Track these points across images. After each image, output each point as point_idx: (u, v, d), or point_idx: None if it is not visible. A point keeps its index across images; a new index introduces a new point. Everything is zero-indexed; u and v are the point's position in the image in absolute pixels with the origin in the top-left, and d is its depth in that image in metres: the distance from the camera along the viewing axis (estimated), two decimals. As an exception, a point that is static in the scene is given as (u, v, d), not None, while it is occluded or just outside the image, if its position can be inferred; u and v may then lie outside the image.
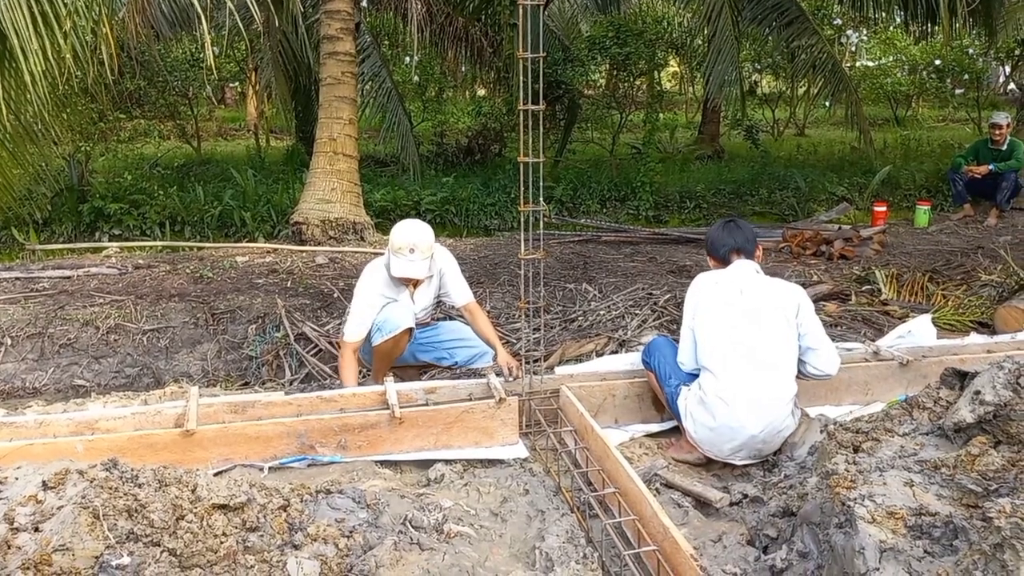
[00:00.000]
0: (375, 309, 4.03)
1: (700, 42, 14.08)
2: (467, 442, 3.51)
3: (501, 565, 2.62)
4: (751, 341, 3.35)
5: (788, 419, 3.34)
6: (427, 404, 3.59)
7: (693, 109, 22.13)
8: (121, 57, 8.82)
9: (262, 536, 2.38)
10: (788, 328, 3.40)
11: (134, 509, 2.27)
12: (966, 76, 17.94)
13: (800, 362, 3.47)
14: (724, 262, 3.61)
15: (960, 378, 2.64)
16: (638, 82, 15.09)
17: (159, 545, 2.21)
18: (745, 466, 3.43)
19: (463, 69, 13.72)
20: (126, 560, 2.11)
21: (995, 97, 20.68)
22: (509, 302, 6.15)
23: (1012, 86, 20.76)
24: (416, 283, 4.18)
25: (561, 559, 2.58)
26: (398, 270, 3.98)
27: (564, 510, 3.00)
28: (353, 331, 4.03)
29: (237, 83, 19.80)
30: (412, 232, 4.00)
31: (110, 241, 8.90)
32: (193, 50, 13.12)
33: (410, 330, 4.06)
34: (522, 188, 3.54)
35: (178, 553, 2.21)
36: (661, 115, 15.11)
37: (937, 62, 17.47)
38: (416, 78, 15.09)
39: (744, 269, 3.55)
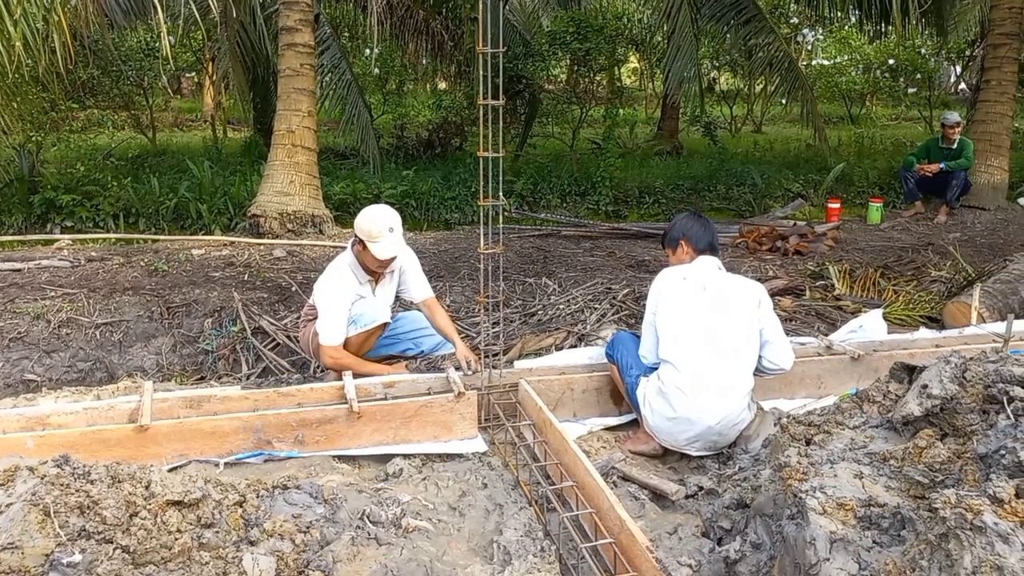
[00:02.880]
0: (348, 308, 3.99)
1: (660, 39, 14.20)
2: (426, 436, 3.51)
3: (459, 559, 2.63)
4: (713, 335, 3.40)
5: (744, 412, 3.40)
6: (386, 398, 3.59)
7: (653, 105, 22.26)
8: (74, 45, 8.61)
9: (217, 532, 2.36)
10: (749, 323, 3.47)
11: (86, 506, 2.23)
12: (918, 75, 18.28)
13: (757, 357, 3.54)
14: (702, 251, 3.68)
15: (908, 372, 2.71)
16: (598, 78, 15.12)
17: (112, 542, 2.18)
18: (700, 457, 3.48)
19: (424, 62, 13.65)
20: (77, 558, 2.08)
21: (946, 96, 21.11)
22: (469, 296, 6.15)
23: (963, 86, 21.21)
24: (380, 277, 4.16)
25: (519, 552, 2.60)
26: (384, 252, 3.90)
27: (522, 504, 3.02)
28: (333, 334, 3.95)
29: (194, 73, 19.47)
30: (384, 214, 3.96)
31: (62, 233, 8.71)
32: (148, 39, 12.88)
33: (385, 325, 4.04)
34: (482, 182, 3.55)
35: (131, 550, 2.18)
36: (621, 111, 15.18)
37: (890, 61, 17.79)
38: (376, 71, 14.97)
39: (709, 265, 3.62)
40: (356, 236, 3.99)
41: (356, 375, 3.86)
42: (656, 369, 3.53)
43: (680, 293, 3.52)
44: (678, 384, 3.37)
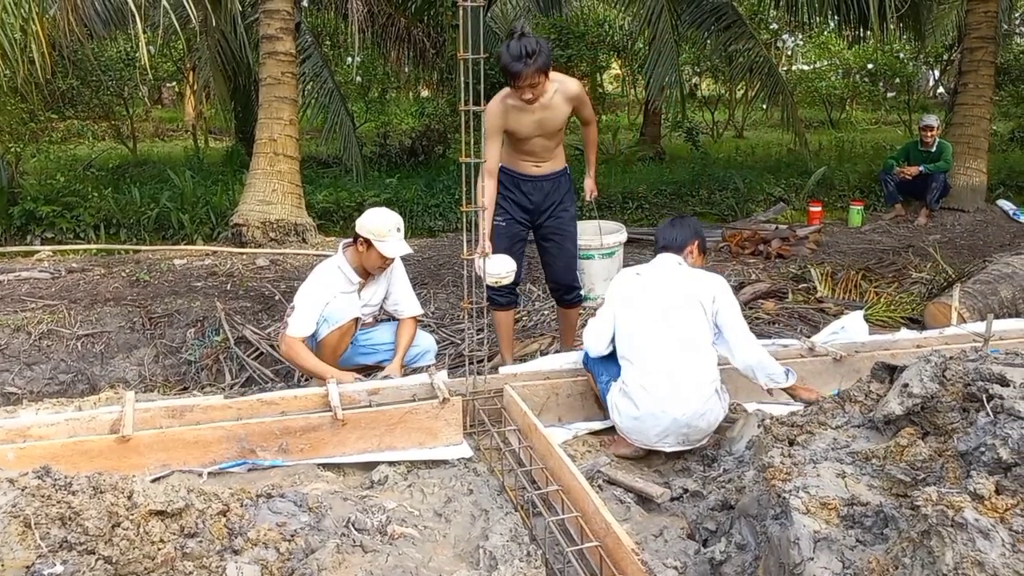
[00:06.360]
0: (322, 306, 4.01)
1: (641, 45, 14.25)
2: (411, 443, 3.50)
3: (445, 565, 2.62)
4: (669, 330, 3.42)
5: (711, 402, 3.40)
6: (370, 405, 3.57)
7: (635, 111, 22.30)
8: (53, 56, 8.56)
9: (201, 542, 2.34)
10: (704, 315, 3.49)
11: (68, 517, 2.21)
12: (897, 80, 18.44)
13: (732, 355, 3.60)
14: (654, 255, 3.76)
15: (889, 372, 2.73)
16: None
17: (94, 553, 2.16)
18: (681, 457, 3.49)
19: (406, 70, 13.65)
20: (59, 569, 2.06)
21: (925, 100, 21.29)
22: (453, 303, 6.15)
23: (941, 89, 21.43)
24: (370, 280, 4.19)
25: (505, 557, 2.59)
26: (391, 250, 3.99)
27: (508, 509, 3.01)
28: (298, 327, 3.99)
29: (174, 83, 19.40)
30: (392, 214, 4.07)
31: (42, 244, 8.65)
32: (128, 49, 12.82)
33: (356, 320, 4.07)
34: (464, 188, 3.55)
35: (114, 561, 2.17)
36: (603, 117, 15.22)
37: (869, 66, 17.93)
38: (359, 79, 14.97)
39: (666, 262, 3.66)
40: (359, 237, 4.03)
41: (307, 372, 4.04)
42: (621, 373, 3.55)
43: (633, 289, 3.56)
44: (640, 382, 3.38)
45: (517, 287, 4.73)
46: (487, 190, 4.15)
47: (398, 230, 4.02)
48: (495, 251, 4.24)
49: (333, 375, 3.91)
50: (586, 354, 3.82)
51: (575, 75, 13.05)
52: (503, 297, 4.47)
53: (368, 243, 3.99)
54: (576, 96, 4.30)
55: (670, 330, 3.42)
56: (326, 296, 4.03)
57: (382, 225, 3.98)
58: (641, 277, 3.60)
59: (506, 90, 4.09)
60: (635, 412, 3.39)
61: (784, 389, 3.59)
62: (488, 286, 3.91)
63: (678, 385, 3.34)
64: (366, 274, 4.15)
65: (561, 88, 4.17)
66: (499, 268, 4.19)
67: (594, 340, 3.62)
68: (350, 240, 4.16)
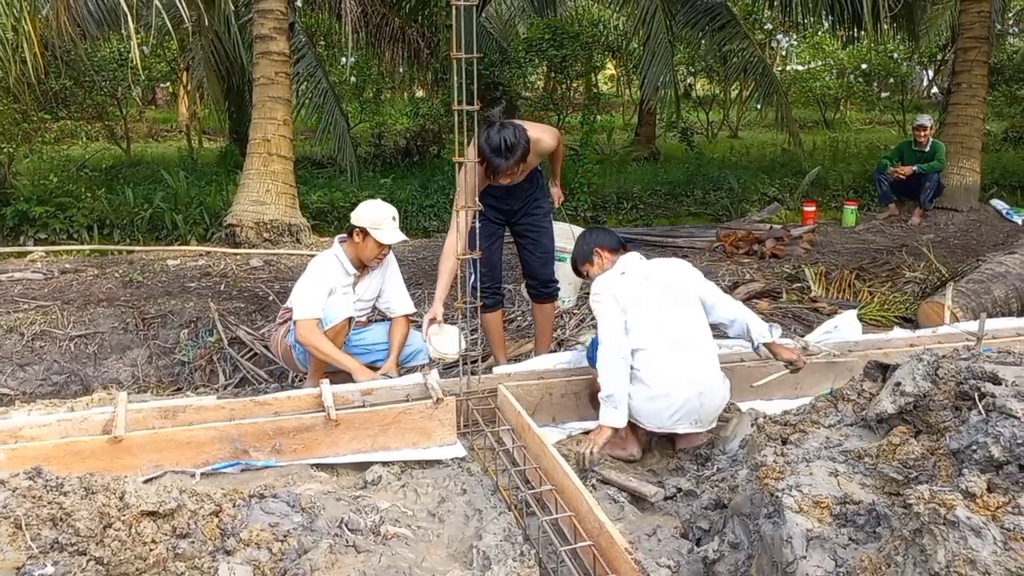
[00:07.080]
0: (326, 290, 4.02)
1: (635, 45, 14.23)
2: (405, 443, 3.50)
3: (438, 565, 2.62)
4: (670, 316, 3.50)
5: (719, 380, 3.51)
6: (364, 406, 3.57)
7: (630, 111, 22.32)
8: (46, 56, 8.53)
9: (193, 542, 2.34)
10: (692, 298, 3.63)
11: (59, 518, 2.21)
12: (891, 80, 18.48)
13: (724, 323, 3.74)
14: (617, 251, 3.83)
15: (882, 370, 2.73)
16: (575, 84, 15.18)
17: (85, 554, 2.15)
18: (669, 452, 3.53)
19: (401, 70, 13.64)
20: (50, 570, 2.06)
21: (919, 100, 21.35)
22: (447, 303, 6.13)
23: (935, 90, 21.48)
24: (366, 272, 4.20)
25: (498, 557, 2.59)
26: (388, 237, 4.04)
27: (502, 508, 3.01)
28: (309, 307, 3.98)
29: (168, 83, 19.34)
30: (386, 204, 4.12)
31: (35, 245, 8.62)
32: (121, 49, 12.78)
33: (350, 319, 4.08)
34: (457, 188, 3.55)
35: (105, 561, 2.16)
36: (598, 117, 15.22)
37: (864, 66, 17.96)
38: (353, 79, 14.94)
39: (635, 258, 3.74)
40: (354, 228, 4.06)
41: (324, 361, 4.02)
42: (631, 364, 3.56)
43: (629, 284, 3.57)
44: (651, 366, 3.41)
45: (501, 286, 4.73)
46: (459, 246, 3.76)
47: (394, 219, 4.06)
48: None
49: (353, 367, 3.97)
50: (591, 349, 3.81)
51: (569, 75, 13.07)
52: (489, 299, 4.39)
53: (364, 233, 4.03)
54: (552, 150, 4.32)
55: (672, 317, 3.50)
56: (328, 281, 4.06)
57: (378, 214, 4.03)
58: (628, 275, 3.62)
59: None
60: (649, 393, 3.40)
61: (767, 346, 3.72)
62: (475, 287, 3.86)
63: (686, 365, 3.41)
64: (362, 267, 4.17)
65: (535, 148, 4.09)
66: (447, 347, 3.88)
67: (608, 336, 3.47)
68: (345, 235, 4.18)
